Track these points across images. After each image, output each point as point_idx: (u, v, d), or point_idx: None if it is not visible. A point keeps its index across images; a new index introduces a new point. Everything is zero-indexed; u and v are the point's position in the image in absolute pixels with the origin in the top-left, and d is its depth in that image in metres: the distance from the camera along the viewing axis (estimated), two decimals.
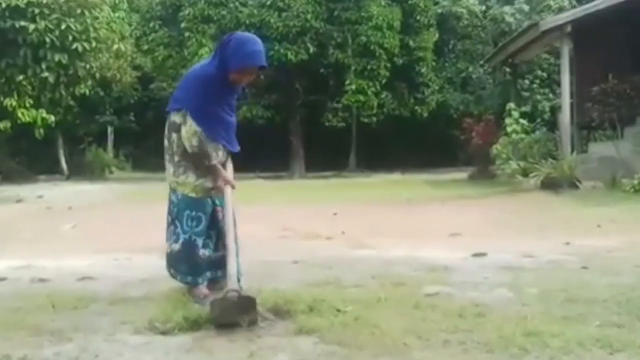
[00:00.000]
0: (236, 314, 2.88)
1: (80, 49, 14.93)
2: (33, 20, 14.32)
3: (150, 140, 23.40)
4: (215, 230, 3.51)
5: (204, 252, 3.47)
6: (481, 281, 3.81)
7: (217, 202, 3.50)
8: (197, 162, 3.41)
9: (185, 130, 3.34)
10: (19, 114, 14.72)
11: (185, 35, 18.82)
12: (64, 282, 3.97)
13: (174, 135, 3.42)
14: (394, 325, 2.81)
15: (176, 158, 3.43)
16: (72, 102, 16.84)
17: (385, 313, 3.03)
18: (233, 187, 3.46)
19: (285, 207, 9.03)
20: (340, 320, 2.90)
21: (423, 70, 20.27)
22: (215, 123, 3.40)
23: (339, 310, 3.05)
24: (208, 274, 3.52)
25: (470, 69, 22.10)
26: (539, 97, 19.87)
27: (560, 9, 18.17)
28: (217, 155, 3.45)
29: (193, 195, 3.43)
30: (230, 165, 3.58)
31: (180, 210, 3.45)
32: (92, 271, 4.29)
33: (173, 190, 3.51)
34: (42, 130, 15.56)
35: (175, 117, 3.41)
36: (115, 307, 3.29)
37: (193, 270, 3.46)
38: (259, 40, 3.42)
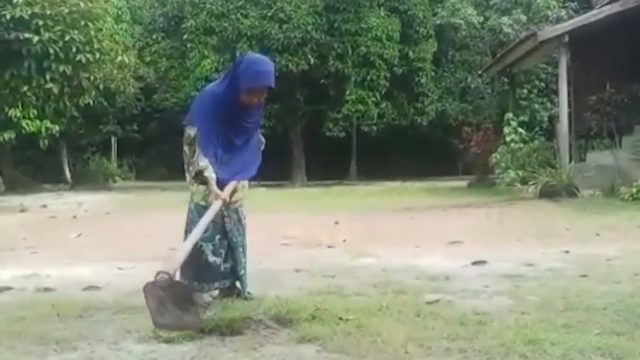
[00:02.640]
0: (175, 305, 2.79)
1: (84, 60, 14.98)
2: (37, 32, 14.37)
3: (153, 149, 23.51)
4: (225, 241, 3.56)
5: (214, 260, 3.51)
6: (481, 289, 3.83)
7: (226, 212, 3.56)
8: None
9: (189, 143, 3.49)
10: (24, 124, 14.75)
11: (187, 47, 18.96)
12: (69, 291, 4.00)
13: (186, 147, 3.54)
14: (396, 333, 2.83)
15: (191, 168, 3.55)
16: (76, 113, 16.89)
17: (386, 321, 3.06)
18: (224, 203, 3.44)
19: (287, 215, 9.05)
20: (343, 329, 2.92)
21: (422, 80, 20.37)
22: (214, 144, 3.43)
23: (341, 319, 3.07)
24: (216, 284, 3.57)
25: (469, 79, 22.16)
26: (537, 106, 19.89)
27: (558, 20, 18.23)
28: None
29: (203, 203, 3.51)
30: (234, 184, 3.53)
31: (193, 218, 3.54)
32: (97, 280, 4.31)
33: (190, 199, 3.62)
34: (46, 140, 15.60)
35: (189, 131, 3.52)
36: (120, 316, 3.32)
37: (199, 277, 3.50)
38: (268, 61, 3.51)
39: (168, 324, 2.81)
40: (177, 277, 3.06)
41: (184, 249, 3.17)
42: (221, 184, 3.44)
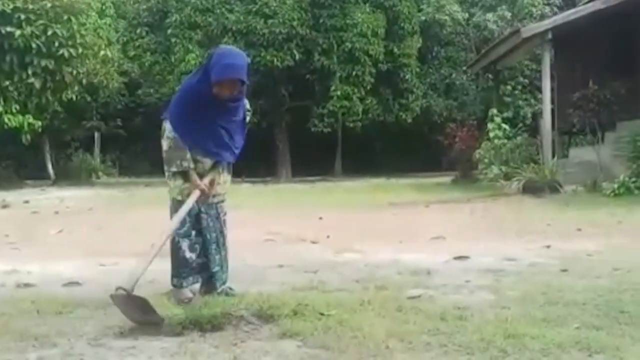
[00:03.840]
0: (139, 312, 2.97)
1: (66, 54, 14.83)
2: (19, 26, 14.21)
3: (137, 145, 23.32)
4: (200, 237, 3.57)
5: (191, 256, 3.54)
6: (463, 284, 3.86)
7: (203, 209, 3.57)
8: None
9: (164, 136, 3.50)
10: (6, 120, 14.59)
11: (172, 42, 18.82)
12: (50, 287, 3.97)
13: (163, 141, 3.55)
14: (377, 328, 2.84)
15: (166, 165, 3.55)
16: (58, 108, 16.70)
17: (368, 316, 3.07)
18: (202, 192, 3.46)
19: (271, 211, 9.04)
20: (324, 324, 2.93)
21: (407, 76, 20.42)
22: (194, 132, 3.44)
23: (322, 314, 3.07)
24: (191, 279, 3.59)
25: (454, 75, 22.27)
26: (520, 102, 20.06)
27: (542, 16, 18.37)
28: (196, 163, 3.49)
29: (179, 198, 3.52)
30: (214, 175, 3.56)
31: (170, 213, 3.54)
32: (78, 276, 4.28)
33: (169, 194, 3.62)
34: (28, 136, 15.42)
35: (165, 124, 3.53)
36: (101, 312, 3.29)
37: (178, 273, 3.54)
38: (241, 54, 3.48)
39: (137, 318, 2.99)
40: (135, 291, 3.07)
41: (141, 262, 3.18)
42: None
